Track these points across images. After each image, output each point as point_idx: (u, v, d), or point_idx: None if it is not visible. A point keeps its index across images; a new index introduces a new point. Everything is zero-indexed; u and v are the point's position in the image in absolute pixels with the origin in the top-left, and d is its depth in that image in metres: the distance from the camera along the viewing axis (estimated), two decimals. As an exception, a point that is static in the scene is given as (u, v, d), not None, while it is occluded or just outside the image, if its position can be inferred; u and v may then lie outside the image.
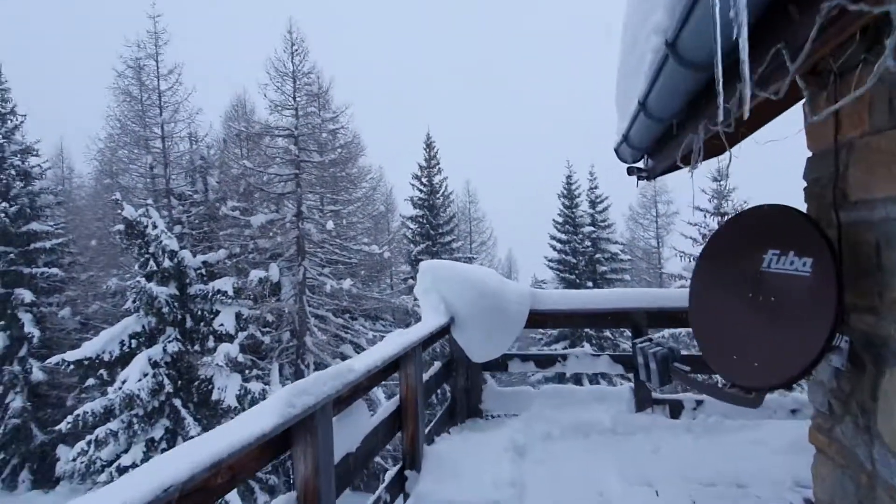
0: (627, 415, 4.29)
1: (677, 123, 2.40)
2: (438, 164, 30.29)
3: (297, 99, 18.29)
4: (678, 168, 3.56)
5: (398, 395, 3.32)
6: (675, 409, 4.33)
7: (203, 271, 16.16)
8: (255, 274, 15.81)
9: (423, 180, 30.09)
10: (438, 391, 9.28)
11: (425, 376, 3.96)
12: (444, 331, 4.09)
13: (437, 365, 4.31)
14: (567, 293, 4.60)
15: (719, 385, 2.49)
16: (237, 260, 16.78)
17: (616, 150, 3.69)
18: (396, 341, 3.15)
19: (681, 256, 18.05)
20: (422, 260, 29.64)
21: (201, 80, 20.77)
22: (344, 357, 19.08)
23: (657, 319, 4.39)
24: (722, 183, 17.18)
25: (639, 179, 3.68)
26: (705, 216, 17.36)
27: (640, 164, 3.75)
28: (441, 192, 30.43)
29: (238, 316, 15.86)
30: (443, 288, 4.07)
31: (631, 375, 4.43)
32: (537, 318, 4.56)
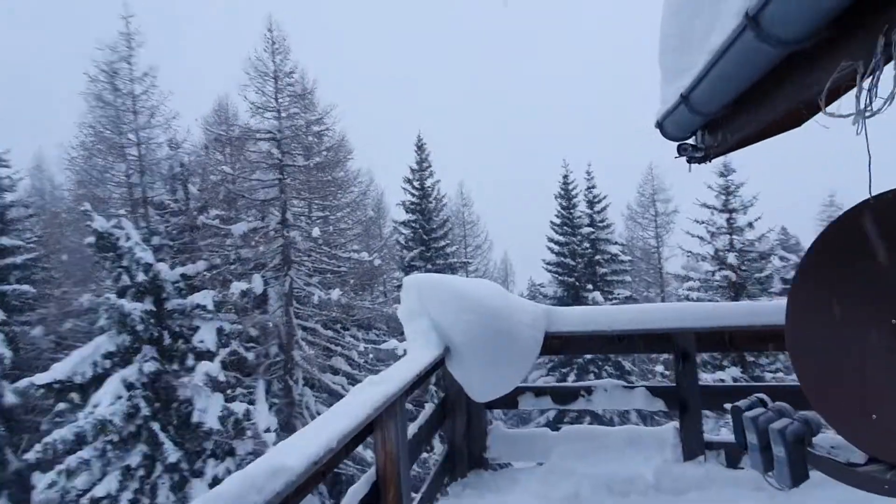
0: (674, 465, 3.36)
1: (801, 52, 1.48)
2: (430, 166, 29.43)
3: (280, 100, 17.35)
4: (771, 133, 2.62)
5: (373, 468, 2.38)
6: (735, 455, 3.41)
7: (181, 285, 15.14)
8: (237, 286, 14.81)
9: (415, 184, 29.20)
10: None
11: (412, 428, 3.02)
12: (436, 365, 3.15)
13: (429, 409, 3.37)
14: (590, 311, 3.67)
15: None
16: (218, 272, 15.78)
17: (661, 123, 2.76)
18: (368, 395, 2.21)
19: (688, 256, 17.19)
20: (415, 267, 28.78)
21: (184, 84, 19.83)
22: (335, 371, 18.08)
23: (710, 342, 3.47)
24: (729, 178, 16.35)
25: (691, 161, 2.77)
26: (712, 213, 16.51)
27: (691, 142, 2.84)
28: (434, 195, 29.55)
29: (219, 331, 14.84)
30: (434, 310, 3.14)
31: (676, 413, 3.50)
32: (555, 343, 3.63)
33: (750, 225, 16.31)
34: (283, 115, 17.46)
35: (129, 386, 13.69)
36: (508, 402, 3.69)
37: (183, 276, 15.21)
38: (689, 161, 2.79)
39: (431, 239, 28.57)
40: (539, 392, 3.75)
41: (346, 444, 1.88)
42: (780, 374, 16.40)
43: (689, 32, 2.14)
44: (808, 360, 2.10)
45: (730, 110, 2.16)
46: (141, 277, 13.99)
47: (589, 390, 3.67)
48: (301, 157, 17.45)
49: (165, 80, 19.49)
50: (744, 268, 16.07)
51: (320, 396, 18.16)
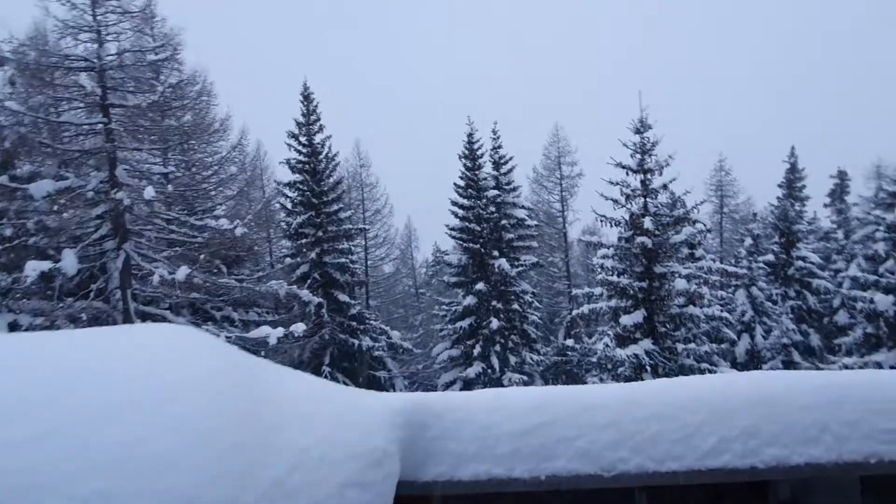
0: None
1: None
2: (319, 119, 25.66)
3: (99, 17, 13.05)
4: None
5: None
6: None
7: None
8: (34, 266, 10.90)
9: (302, 139, 25.38)
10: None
11: None
12: None
13: None
14: (545, 394, 1.17)
15: None
16: (9, 247, 11.67)
17: None
18: None
19: (602, 221, 15.70)
20: (304, 234, 25.35)
21: None
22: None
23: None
24: (645, 135, 14.88)
25: None
26: (627, 174, 15.05)
27: None
28: (324, 153, 25.95)
29: (12, 327, 10.96)
30: None
31: None
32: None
33: (664, 187, 15.11)
34: (108, 36, 13.22)
35: None
36: None
37: (-48, 253, 10.99)
38: None
39: (322, 203, 25.17)
40: None
41: None
42: None
43: None
44: None
45: None
46: None
47: None
48: (132, 95, 13.41)
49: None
50: (657, 233, 14.88)
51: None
